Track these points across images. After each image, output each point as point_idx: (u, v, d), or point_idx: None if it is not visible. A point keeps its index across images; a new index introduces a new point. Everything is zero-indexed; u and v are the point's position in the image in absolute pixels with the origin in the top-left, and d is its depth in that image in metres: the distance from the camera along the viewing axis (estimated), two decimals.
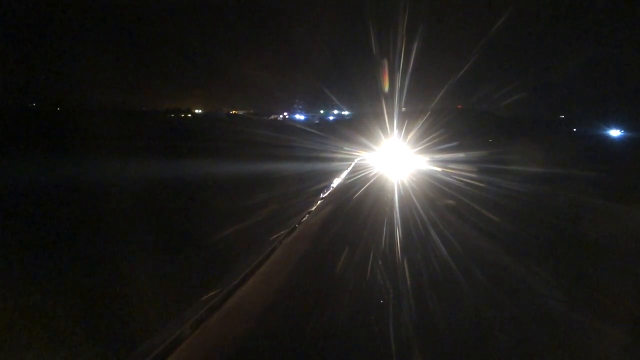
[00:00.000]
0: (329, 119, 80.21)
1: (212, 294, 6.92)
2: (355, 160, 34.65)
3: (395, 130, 39.87)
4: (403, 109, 46.88)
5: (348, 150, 39.92)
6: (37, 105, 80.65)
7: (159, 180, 20.73)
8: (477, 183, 21.24)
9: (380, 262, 9.00)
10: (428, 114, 43.70)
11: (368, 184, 21.54)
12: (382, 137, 39.87)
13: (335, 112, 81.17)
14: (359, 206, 15.70)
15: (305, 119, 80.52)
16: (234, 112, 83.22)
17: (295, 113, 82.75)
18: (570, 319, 6.71)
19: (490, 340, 6.02)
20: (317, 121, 77.87)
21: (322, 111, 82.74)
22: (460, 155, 32.17)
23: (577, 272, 8.99)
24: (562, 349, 5.81)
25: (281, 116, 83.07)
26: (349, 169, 28.96)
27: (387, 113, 41.74)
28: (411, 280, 8.04)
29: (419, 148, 36.18)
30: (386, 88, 42.76)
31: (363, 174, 25.94)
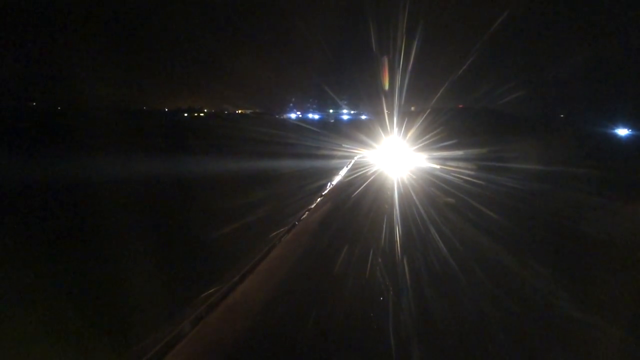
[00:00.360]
0: (342, 119, 78.52)
1: (211, 291, 6.96)
2: (368, 158, 34.59)
3: (396, 129, 39.82)
4: (412, 108, 46.79)
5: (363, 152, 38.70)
6: (37, 105, 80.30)
7: (158, 178, 20.85)
8: (475, 180, 21.21)
9: (380, 260, 9.02)
10: (428, 112, 43.62)
11: (368, 181, 21.55)
12: (384, 135, 39.79)
13: (345, 111, 79.57)
14: (358, 203, 15.69)
15: (320, 118, 78.99)
16: (240, 111, 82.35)
17: (308, 112, 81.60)
18: (570, 316, 6.73)
19: (490, 337, 6.04)
20: (332, 120, 76.13)
21: (331, 110, 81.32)
22: (459, 152, 32.09)
23: (577, 269, 9.01)
24: (562, 347, 5.83)
25: (293, 115, 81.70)
26: (349, 166, 28.98)
27: (393, 113, 41.71)
28: (410, 278, 8.06)
29: (419, 146, 36.17)
30: (386, 86, 42.74)
31: (362, 172, 25.91)
